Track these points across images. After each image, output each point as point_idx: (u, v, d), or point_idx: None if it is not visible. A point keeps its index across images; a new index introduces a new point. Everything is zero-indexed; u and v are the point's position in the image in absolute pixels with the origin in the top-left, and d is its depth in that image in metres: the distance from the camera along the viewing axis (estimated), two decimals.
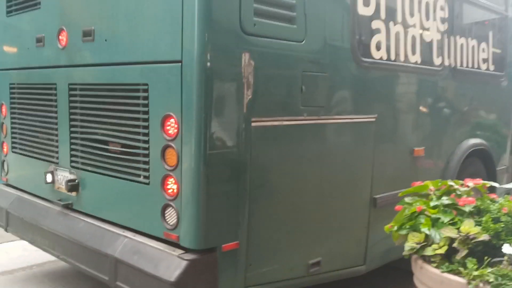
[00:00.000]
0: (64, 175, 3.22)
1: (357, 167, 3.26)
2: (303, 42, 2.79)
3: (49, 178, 3.32)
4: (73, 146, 3.15)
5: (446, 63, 3.99)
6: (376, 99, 3.38)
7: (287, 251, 2.87)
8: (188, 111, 2.38)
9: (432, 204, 2.54)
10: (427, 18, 3.75)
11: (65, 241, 3.04)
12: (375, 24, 3.29)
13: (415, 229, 2.49)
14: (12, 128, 3.82)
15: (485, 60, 4.56)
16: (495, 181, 4.59)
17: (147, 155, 2.62)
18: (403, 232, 2.54)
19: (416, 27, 3.63)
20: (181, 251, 2.45)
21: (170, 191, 2.51)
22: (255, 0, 2.52)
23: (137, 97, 2.65)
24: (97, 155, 2.95)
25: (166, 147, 2.50)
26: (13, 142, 3.82)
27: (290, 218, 2.85)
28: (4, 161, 3.97)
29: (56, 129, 3.28)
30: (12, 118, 3.80)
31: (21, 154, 3.73)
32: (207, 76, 2.35)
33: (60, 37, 3.16)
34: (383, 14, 3.33)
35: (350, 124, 3.16)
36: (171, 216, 2.52)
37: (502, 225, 2.38)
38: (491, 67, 4.64)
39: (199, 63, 2.34)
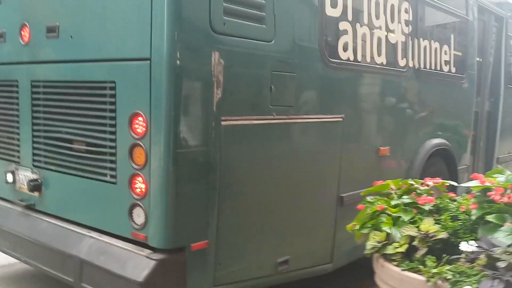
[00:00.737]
0: (26, 175, 3.13)
1: (324, 166, 3.29)
2: (272, 42, 2.80)
3: (9, 177, 3.22)
4: (35, 145, 3.06)
5: (410, 64, 4.09)
6: (343, 99, 3.43)
7: (256, 250, 2.88)
8: (157, 110, 2.35)
9: (393, 203, 2.58)
10: (392, 21, 3.83)
11: (27, 242, 2.95)
12: (342, 25, 3.34)
13: (377, 228, 2.51)
14: None
15: (447, 62, 4.69)
16: (456, 180, 4.74)
17: (114, 154, 2.58)
18: (365, 231, 2.56)
19: (382, 29, 3.71)
20: (149, 251, 2.42)
21: (138, 190, 2.48)
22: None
23: (104, 95, 2.60)
24: (62, 154, 2.88)
25: (134, 145, 2.47)
26: None
27: (259, 217, 2.86)
28: None
29: (18, 127, 3.18)
30: None
31: None
32: (176, 74, 2.33)
33: (22, 32, 3.07)
34: (350, 16, 3.38)
35: (317, 124, 3.20)
36: (138, 216, 2.49)
37: (460, 223, 2.43)
38: (453, 69, 4.78)
39: (168, 61, 2.31)
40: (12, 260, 3.60)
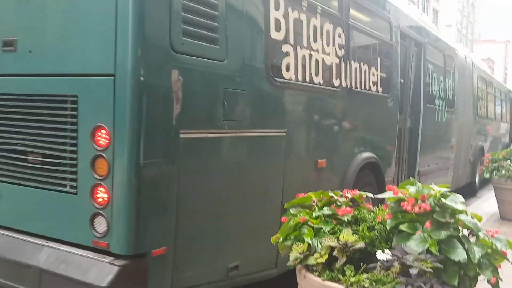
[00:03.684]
0: None
1: (269, 177, 3.55)
2: (225, 61, 3.04)
3: None
4: None
5: (343, 84, 4.48)
6: (286, 115, 3.72)
7: (209, 256, 3.06)
8: (121, 123, 2.50)
9: (314, 214, 2.62)
10: (328, 44, 4.21)
11: None
12: (285, 47, 3.65)
13: (299, 239, 2.55)
14: None
15: (374, 83, 5.16)
16: (384, 190, 5.19)
17: (74, 165, 2.68)
18: (288, 242, 2.58)
19: (319, 52, 4.07)
20: (111, 258, 2.54)
21: (100, 200, 2.59)
22: (183, 21, 2.72)
23: (65, 108, 2.70)
24: (17, 165, 2.92)
25: (96, 157, 2.58)
26: None
27: (212, 225, 3.05)
28: None
29: None
30: None
31: None
32: (140, 89, 2.50)
33: None
34: (291, 39, 3.70)
35: (263, 138, 3.46)
36: (100, 224, 2.60)
37: (376, 233, 2.51)
38: (380, 89, 5.26)
39: (132, 77, 2.48)
40: None
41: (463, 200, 2.46)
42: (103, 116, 2.55)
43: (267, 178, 3.51)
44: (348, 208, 2.66)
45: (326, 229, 2.52)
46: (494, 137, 12.69)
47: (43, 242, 2.78)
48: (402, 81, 6.12)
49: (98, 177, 2.58)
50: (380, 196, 2.65)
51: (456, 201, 2.42)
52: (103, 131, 2.55)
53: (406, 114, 6.36)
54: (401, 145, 6.17)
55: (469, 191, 9.75)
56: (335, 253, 2.40)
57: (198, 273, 2.97)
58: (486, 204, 8.59)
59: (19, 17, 2.90)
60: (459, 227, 2.37)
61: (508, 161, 7.57)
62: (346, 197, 2.81)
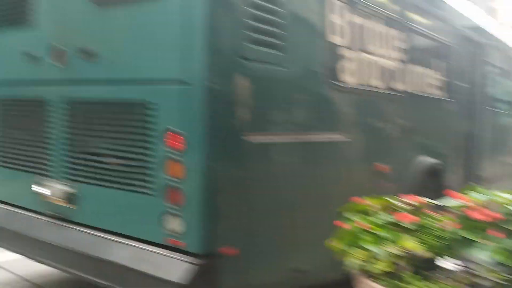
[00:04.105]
0: (57, 187, 3.34)
1: (331, 181, 3.60)
2: (288, 67, 3.13)
3: (39, 190, 3.42)
4: (69, 159, 3.28)
5: (404, 88, 4.47)
6: (347, 119, 3.76)
7: (275, 258, 3.14)
8: (195, 128, 2.64)
9: (375, 220, 2.58)
10: (388, 48, 4.21)
11: (63, 251, 3.15)
12: (347, 53, 3.69)
13: (357, 245, 2.50)
14: None
15: (435, 87, 5.10)
16: (444, 196, 5.10)
17: (150, 168, 2.83)
18: (345, 248, 2.55)
19: (379, 56, 4.08)
20: (187, 256, 2.67)
21: (175, 201, 2.73)
22: (251, 29, 2.84)
23: (141, 113, 2.86)
24: (97, 168, 3.12)
25: (171, 160, 2.73)
26: None
27: (278, 227, 3.13)
28: None
29: (48, 143, 3.40)
30: None
31: (4, 166, 3.79)
32: (211, 96, 2.63)
33: (56, 54, 3.31)
34: (353, 45, 3.74)
35: (324, 142, 3.51)
36: (176, 224, 2.74)
37: (441, 241, 2.46)
38: (440, 93, 5.19)
39: (204, 84, 2.61)
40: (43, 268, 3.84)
41: None
42: (178, 121, 2.69)
43: (328, 181, 3.56)
44: (411, 215, 2.59)
45: (389, 236, 2.46)
46: None
47: (123, 240, 2.96)
48: (463, 84, 6.00)
49: (173, 179, 2.73)
50: (444, 203, 2.58)
51: None
52: (177, 135, 2.69)
53: (468, 118, 6.21)
54: (462, 150, 6.04)
55: None
56: (397, 261, 2.36)
57: (265, 274, 3.06)
58: None
59: (98, 27, 3.10)
60: None
61: None
62: (408, 204, 2.74)
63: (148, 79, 2.82)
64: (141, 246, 2.85)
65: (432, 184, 5.01)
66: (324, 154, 3.51)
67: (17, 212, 3.64)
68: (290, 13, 3.12)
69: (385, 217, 2.57)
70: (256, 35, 2.87)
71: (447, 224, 2.53)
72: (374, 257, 2.40)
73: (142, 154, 2.85)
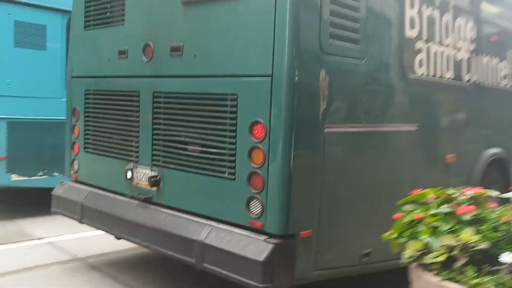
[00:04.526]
0: (144, 172, 3.63)
1: (401, 170, 3.70)
2: (364, 60, 3.25)
3: (129, 174, 3.73)
4: (155, 147, 3.56)
5: (473, 79, 4.47)
6: (418, 110, 3.84)
7: (346, 242, 3.30)
8: (277, 118, 2.82)
9: (431, 212, 2.52)
10: (459, 39, 4.23)
11: (149, 229, 3.44)
12: (418, 44, 3.76)
13: (414, 237, 2.46)
14: (85, 130, 4.23)
15: (505, 77, 5.04)
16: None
17: (233, 155, 3.05)
18: (402, 240, 2.51)
19: (450, 47, 4.11)
20: (266, 237, 2.87)
21: (256, 185, 2.94)
22: (331, 24, 2.98)
23: (225, 105, 3.08)
24: (182, 154, 3.37)
25: (253, 148, 2.93)
26: (86, 143, 4.24)
27: (349, 212, 3.28)
28: (74, 159, 4.38)
29: (137, 131, 3.69)
30: (86, 121, 4.22)
31: (94, 153, 4.14)
32: (294, 88, 2.80)
33: (145, 51, 3.59)
34: (424, 36, 3.80)
35: (397, 132, 3.62)
36: (256, 207, 2.95)
37: (501, 234, 2.38)
38: (511, 83, 5.13)
39: (288, 77, 2.78)
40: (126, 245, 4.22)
41: None
42: (261, 112, 2.88)
43: (398, 170, 3.67)
44: (469, 206, 2.53)
45: (445, 227, 2.41)
46: None
47: (203, 220, 3.20)
48: None
49: (255, 166, 2.93)
50: (505, 195, 2.59)
51: None
52: (260, 125, 2.89)
53: None
54: None
55: None
56: (454, 253, 2.32)
57: (335, 257, 3.22)
58: None
59: (185, 26, 3.34)
60: None
61: None
62: (467, 195, 2.67)
63: (238, 74, 3.02)
64: (221, 227, 3.08)
65: (498, 174, 4.99)
66: (395, 144, 3.62)
67: (104, 194, 3.98)
68: (367, 7, 3.23)
69: (443, 208, 2.52)
70: (336, 30, 3.01)
71: (507, 217, 2.48)
72: (431, 249, 2.37)
73: (229, 142, 3.06)
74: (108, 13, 3.97)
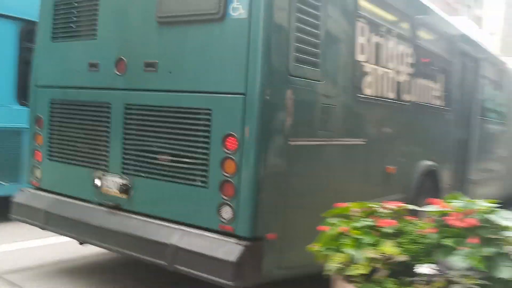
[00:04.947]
0: (114, 180, 3.80)
1: (352, 179, 4.13)
2: (322, 81, 3.64)
3: (98, 182, 3.88)
4: (126, 156, 3.74)
5: (411, 99, 5.01)
6: (366, 126, 4.29)
7: (305, 243, 3.62)
8: (250, 132, 3.12)
9: (355, 225, 2.61)
10: (399, 63, 4.75)
11: (119, 234, 3.61)
12: (367, 68, 4.22)
13: (338, 249, 2.56)
14: (50, 138, 4.31)
15: (437, 97, 5.66)
16: (440, 197, 5.69)
17: (206, 164, 3.31)
18: (326, 252, 2.62)
19: (393, 70, 4.62)
20: (235, 239, 3.16)
21: (227, 192, 3.22)
22: (296, 49, 3.34)
23: (199, 118, 3.34)
24: (154, 164, 3.58)
25: (226, 158, 3.21)
26: (50, 151, 4.32)
27: (308, 217, 3.62)
28: (36, 167, 4.44)
29: (107, 141, 3.86)
30: (51, 130, 4.30)
31: (59, 161, 4.24)
32: (265, 106, 3.12)
33: (118, 65, 3.77)
34: (372, 60, 4.27)
35: (349, 146, 4.04)
36: (227, 212, 3.22)
37: (419, 247, 2.48)
38: (441, 103, 5.76)
39: (260, 96, 3.10)
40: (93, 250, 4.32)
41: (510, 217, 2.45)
42: (234, 126, 3.17)
43: (350, 179, 4.09)
44: (391, 220, 2.63)
45: (368, 240, 2.52)
46: None
47: (174, 225, 3.43)
48: (459, 94, 6.58)
49: (227, 174, 3.21)
50: (424, 209, 2.66)
51: (503, 218, 2.43)
52: (233, 138, 3.18)
53: (462, 126, 6.80)
54: (457, 155, 6.62)
55: None
56: (376, 265, 2.42)
57: (297, 257, 3.54)
58: None
59: (161, 43, 3.57)
60: (506, 244, 2.37)
61: None
62: (389, 208, 2.77)
63: (212, 91, 3.29)
64: (192, 231, 3.32)
65: (430, 184, 5.58)
66: (347, 156, 4.03)
67: (69, 201, 4.09)
68: (326, 35, 3.62)
69: (365, 221, 2.61)
70: (300, 55, 3.37)
71: (425, 230, 2.58)
72: (353, 261, 2.47)
73: (202, 153, 3.32)
74: (79, 27, 4.11)
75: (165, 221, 3.51)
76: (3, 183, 6.06)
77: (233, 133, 3.19)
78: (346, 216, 2.76)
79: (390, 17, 4.74)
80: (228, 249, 3.12)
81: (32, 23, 6.11)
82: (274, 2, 3.15)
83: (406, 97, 4.90)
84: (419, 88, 5.20)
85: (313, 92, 3.57)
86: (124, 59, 3.75)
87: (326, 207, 3.77)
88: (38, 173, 4.43)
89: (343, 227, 2.63)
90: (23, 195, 4.42)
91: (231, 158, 3.20)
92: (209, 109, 3.30)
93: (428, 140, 5.57)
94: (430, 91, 5.48)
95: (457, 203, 2.54)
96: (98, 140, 3.95)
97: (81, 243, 4.17)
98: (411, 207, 2.84)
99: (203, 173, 3.34)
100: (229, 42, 3.24)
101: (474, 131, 7.10)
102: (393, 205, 2.76)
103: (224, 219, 3.24)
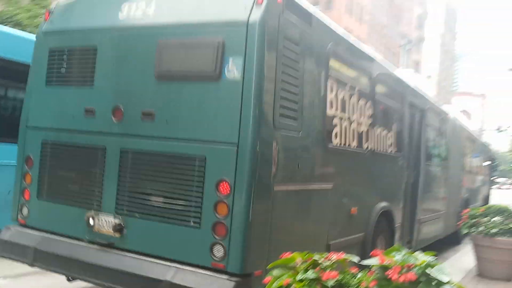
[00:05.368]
0: (107, 219, 4.07)
1: (321, 219, 4.60)
2: (300, 133, 4.13)
3: (90, 221, 4.14)
4: (119, 197, 4.04)
5: (369, 147, 5.61)
6: (333, 172, 4.81)
7: None
8: (241, 178, 3.54)
9: (298, 277, 2.63)
10: (360, 116, 5.35)
11: (113, 271, 3.87)
12: (335, 121, 4.77)
13: None
14: (40, 178, 4.53)
15: (390, 145, 6.32)
16: (393, 234, 6.30)
17: (199, 207, 3.68)
18: None
19: (355, 122, 5.21)
20: (227, 276, 3.52)
21: (219, 233, 3.59)
22: (280, 106, 3.82)
23: (194, 165, 3.72)
24: (148, 205, 3.90)
25: (219, 201, 3.60)
26: (39, 190, 4.52)
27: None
28: (23, 205, 4.62)
29: (101, 182, 4.14)
30: (41, 169, 4.52)
31: (49, 200, 4.45)
32: (255, 155, 3.56)
33: (115, 112, 4.11)
34: (339, 114, 4.83)
35: (319, 189, 4.53)
36: (218, 251, 3.59)
37: None
38: (394, 150, 6.42)
39: (251, 147, 3.54)
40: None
41: (448, 271, 2.59)
42: (227, 172, 3.58)
43: (322, 219, 4.57)
44: (333, 273, 2.66)
45: None
46: (476, 189, 14.00)
47: (167, 263, 3.74)
48: (408, 141, 7.31)
49: (219, 216, 3.59)
50: (365, 262, 2.77)
51: (441, 272, 2.54)
52: (226, 183, 3.58)
53: (411, 170, 7.52)
54: (406, 196, 7.30)
55: (456, 239, 10.87)
56: None
57: None
58: (466, 258, 8.72)
59: (158, 95, 3.95)
60: None
61: (487, 218, 7.53)
62: (332, 260, 2.81)
63: (207, 140, 3.70)
64: (186, 268, 3.66)
65: (385, 223, 6.17)
66: (318, 198, 4.52)
67: (58, 239, 4.30)
68: (303, 92, 4.14)
69: (309, 274, 2.65)
70: (283, 110, 3.86)
71: (365, 283, 2.64)
72: None
73: (196, 196, 3.69)
74: (75, 75, 4.42)
75: (158, 258, 3.82)
76: None
77: (226, 179, 3.60)
78: (290, 268, 2.79)
79: (353, 75, 5.37)
80: (221, 285, 3.47)
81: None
82: (263, 67, 3.64)
83: (365, 145, 5.49)
84: (376, 137, 5.82)
85: (293, 143, 4.05)
86: (121, 107, 4.10)
87: (302, 244, 4.26)
88: (25, 211, 4.61)
89: (286, 279, 2.66)
90: (8, 232, 4.57)
91: (223, 201, 3.60)
92: (203, 156, 3.70)
93: (383, 183, 6.19)
94: (385, 140, 6.13)
95: (397, 257, 2.63)
96: (92, 181, 4.22)
97: (69, 280, 4.36)
98: (353, 258, 2.87)
99: (197, 215, 3.70)
100: (224, 98, 3.68)
101: (420, 175, 7.84)
102: (335, 256, 2.81)
103: (216, 257, 3.60)
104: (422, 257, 2.57)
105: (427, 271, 2.52)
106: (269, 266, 2.88)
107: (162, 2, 4.13)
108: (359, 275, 2.73)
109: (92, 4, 4.62)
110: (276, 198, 3.83)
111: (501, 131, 42.52)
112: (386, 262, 2.58)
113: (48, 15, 4.78)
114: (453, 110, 11.88)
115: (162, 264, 3.76)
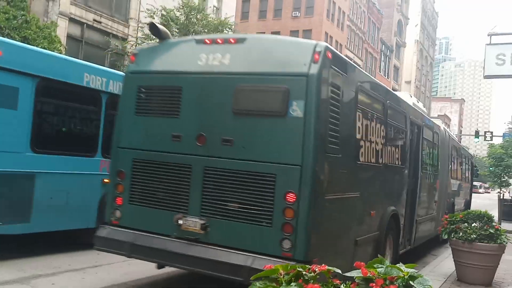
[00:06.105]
0: (194, 220, 5.28)
1: (354, 220, 5.91)
2: (340, 155, 5.41)
3: (180, 221, 5.34)
4: (204, 202, 5.25)
5: (383, 161, 6.93)
6: (360, 183, 6.12)
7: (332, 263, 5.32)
8: (304, 190, 4.80)
9: None
10: (377, 137, 6.67)
11: (201, 260, 5.08)
12: (361, 143, 6.07)
13: None
14: (131, 187, 5.70)
15: (397, 158, 7.66)
16: (400, 233, 7.66)
17: (271, 211, 4.92)
18: None
19: (374, 142, 6.52)
20: (294, 262, 4.75)
21: (287, 230, 4.84)
22: (329, 135, 5.10)
23: (266, 180, 4.97)
24: (227, 209, 5.13)
25: (286, 207, 4.86)
26: (131, 197, 5.70)
27: (335, 246, 5.33)
28: (115, 209, 5.79)
29: (188, 191, 5.35)
30: (133, 181, 5.70)
31: (139, 205, 5.64)
32: (314, 174, 4.83)
33: (199, 139, 5.32)
34: (364, 137, 6.13)
35: (351, 197, 5.82)
36: (287, 244, 4.84)
37: None
38: (399, 162, 7.77)
39: (312, 168, 4.81)
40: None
41: (430, 283, 2.67)
42: (293, 186, 4.84)
43: (351, 220, 5.88)
44: (315, 285, 2.64)
45: None
46: (460, 194, 15.54)
47: (245, 253, 4.97)
48: (409, 154, 8.67)
49: (287, 219, 4.85)
50: (348, 274, 2.80)
51: (423, 284, 2.60)
52: (292, 193, 4.84)
53: (411, 179, 8.88)
54: (407, 201, 8.65)
55: (443, 240, 12.26)
56: None
57: None
58: (445, 262, 9.10)
59: (235, 126, 5.18)
60: None
61: (466, 224, 7.69)
62: (314, 271, 2.80)
63: (277, 162, 4.95)
64: (260, 256, 4.88)
65: (394, 224, 7.50)
66: (351, 203, 5.83)
67: (150, 235, 5.50)
68: (341, 125, 5.41)
69: (291, 285, 2.66)
70: (330, 139, 5.14)
71: None
72: None
73: (268, 204, 4.94)
74: (162, 108, 5.63)
75: (237, 250, 5.04)
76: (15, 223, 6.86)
77: (292, 191, 4.86)
78: (273, 280, 2.81)
79: (373, 104, 6.68)
80: None
81: (47, 79, 7.13)
82: (319, 108, 4.91)
83: (380, 160, 6.81)
84: (388, 153, 7.15)
85: (336, 163, 5.34)
86: (204, 135, 5.32)
87: (339, 239, 5.57)
88: (118, 213, 5.78)
89: None
90: (104, 230, 5.74)
91: (290, 207, 4.86)
92: (274, 174, 4.95)
93: (392, 190, 7.54)
94: (393, 154, 7.47)
95: (380, 269, 2.68)
96: (179, 190, 5.42)
97: (159, 268, 5.55)
98: (335, 270, 2.87)
99: (269, 217, 4.95)
100: (290, 130, 4.95)
101: (418, 182, 9.21)
102: (317, 268, 2.82)
103: (285, 248, 4.85)
104: (404, 269, 2.61)
105: (409, 284, 2.56)
106: (252, 278, 2.94)
107: (236, 55, 5.37)
108: (342, 287, 2.74)
109: (172, 51, 5.85)
110: (327, 204, 5.11)
111: (478, 136, 44.35)
112: (369, 274, 2.61)
113: (134, 58, 5.98)
114: (448, 130, 13.30)
115: (241, 254, 4.99)
